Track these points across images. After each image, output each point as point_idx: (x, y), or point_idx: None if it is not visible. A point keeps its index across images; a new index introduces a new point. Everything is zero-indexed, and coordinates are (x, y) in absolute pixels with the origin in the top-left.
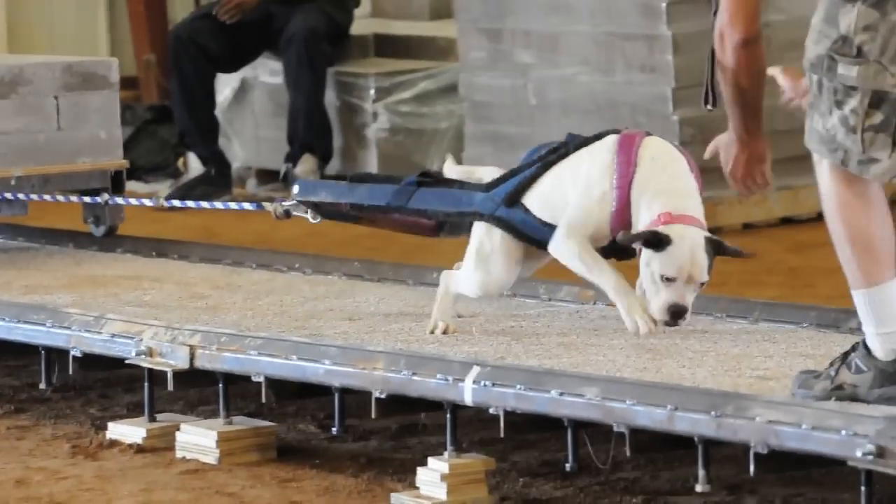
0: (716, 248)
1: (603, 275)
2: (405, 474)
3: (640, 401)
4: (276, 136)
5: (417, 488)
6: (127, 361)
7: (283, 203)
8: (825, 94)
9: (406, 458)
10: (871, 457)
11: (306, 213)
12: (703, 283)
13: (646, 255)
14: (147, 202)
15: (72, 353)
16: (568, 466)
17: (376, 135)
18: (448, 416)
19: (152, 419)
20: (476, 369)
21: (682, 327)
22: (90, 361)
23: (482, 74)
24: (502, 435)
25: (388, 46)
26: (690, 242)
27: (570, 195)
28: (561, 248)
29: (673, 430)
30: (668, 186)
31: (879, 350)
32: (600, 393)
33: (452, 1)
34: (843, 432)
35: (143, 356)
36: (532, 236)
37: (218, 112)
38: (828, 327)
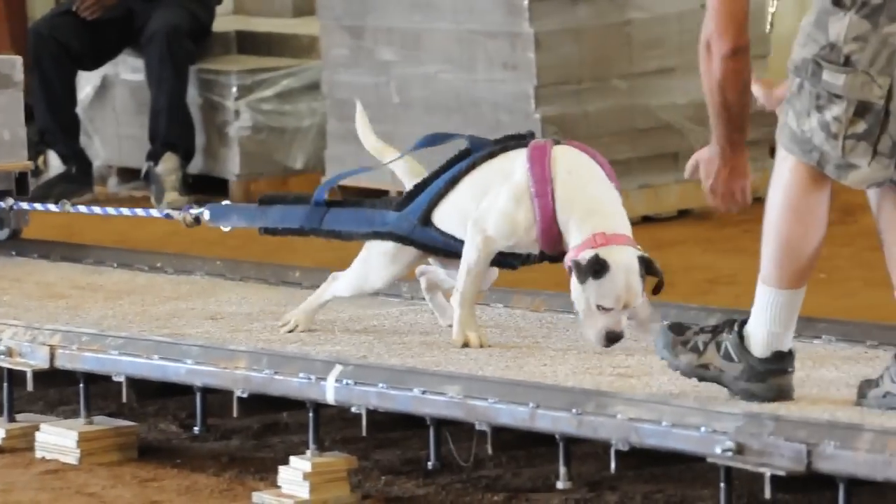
0: (646, 268)
1: (468, 282)
2: (267, 473)
3: (501, 399)
4: (137, 135)
5: (279, 487)
6: None
7: (192, 210)
8: (805, 96)
9: (268, 456)
10: (730, 453)
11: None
12: (635, 308)
13: (581, 279)
14: (53, 207)
15: None
16: (430, 464)
17: (238, 133)
18: (310, 414)
19: (12, 419)
20: (338, 368)
21: (542, 324)
22: None
23: (344, 72)
24: (364, 433)
25: (250, 44)
26: (626, 269)
27: (484, 209)
28: (469, 247)
29: (534, 427)
30: (594, 205)
31: (759, 346)
32: (462, 391)
33: None
34: (703, 429)
35: (2, 356)
36: (452, 252)
37: (79, 110)
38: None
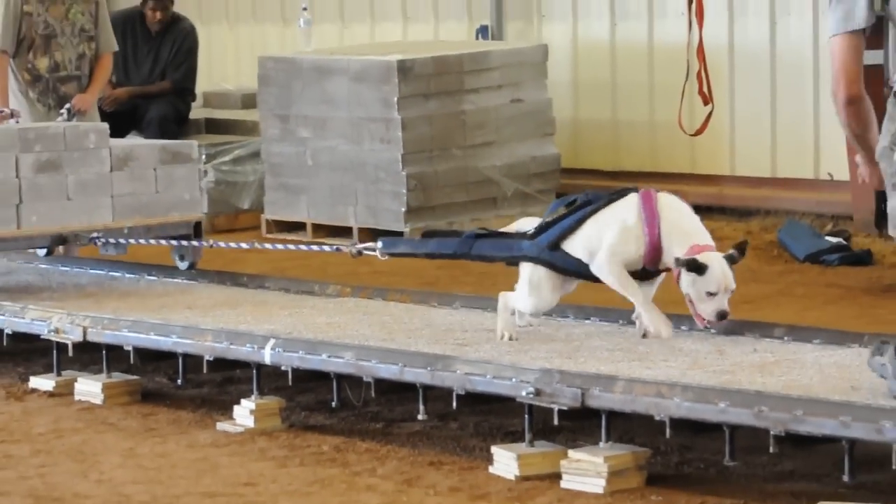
0: (731, 261)
1: (634, 293)
2: (226, 410)
3: (381, 360)
4: None
5: (235, 420)
6: (42, 336)
7: (357, 245)
8: (888, 179)
9: (227, 399)
10: (531, 395)
11: (374, 252)
12: (733, 291)
13: (689, 277)
14: (244, 245)
15: (5, 331)
16: (334, 404)
17: (207, 186)
18: (254, 371)
19: (59, 374)
20: (272, 340)
21: (408, 311)
22: (18, 337)
23: (276, 145)
24: (290, 384)
25: (214, 126)
26: (719, 264)
27: (605, 240)
28: (604, 271)
29: (403, 379)
30: (689, 228)
31: None
32: (355, 356)
33: (256, 96)
34: (514, 379)
35: (52, 333)
36: (571, 270)
37: None
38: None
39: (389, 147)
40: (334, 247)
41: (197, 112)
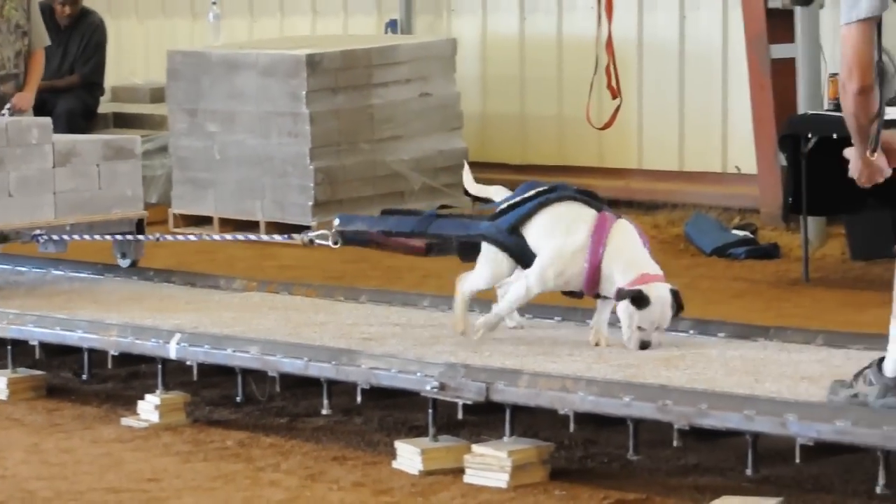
0: (676, 299)
1: (510, 304)
2: (131, 405)
3: (286, 355)
4: None
5: (139, 415)
6: None
7: (309, 234)
8: None
9: (132, 394)
10: (436, 390)
11: (327, 241)
12: (662, 328)
13: (629, 307)
14: (192, 237)
15: None
16: (239, 399)
17: None
18: (159, 366)
19: None
20: (178, 335)
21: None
22: None
23: (184, 139)
24: (196, 378)
25: (122, 120)
26: (662, 302)
27: (550, 243)
28: (529, 279)
29: (308, 374)
30: (633, 257)
31: (890, 369)
32: (260, 350)
33: (165, 90)
34: (418, 374)
35: None
36: (523, 258)
37: None
38: (410, 306)
39: (297, 141)
40: (285, 236)
41: (105, 106)
